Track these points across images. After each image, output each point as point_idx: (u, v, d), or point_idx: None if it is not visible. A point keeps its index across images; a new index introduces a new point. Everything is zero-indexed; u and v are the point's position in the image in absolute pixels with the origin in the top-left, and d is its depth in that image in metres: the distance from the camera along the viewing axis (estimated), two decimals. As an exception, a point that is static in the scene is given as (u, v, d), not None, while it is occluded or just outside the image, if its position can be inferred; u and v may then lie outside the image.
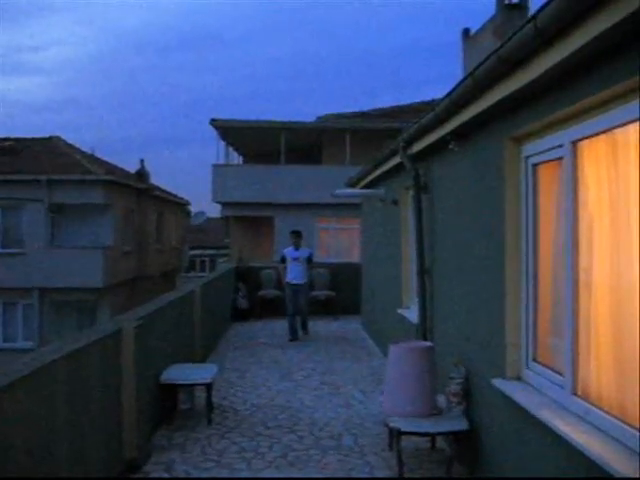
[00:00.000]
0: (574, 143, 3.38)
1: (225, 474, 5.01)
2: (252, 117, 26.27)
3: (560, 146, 3.52)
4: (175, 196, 32.29)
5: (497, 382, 4.18)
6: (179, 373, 6.33)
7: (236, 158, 28.17)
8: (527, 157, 4.05)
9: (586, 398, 3.29)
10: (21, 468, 3.15)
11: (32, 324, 21.96)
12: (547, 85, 3.37)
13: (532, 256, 4.03)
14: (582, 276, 3.36)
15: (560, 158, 3.56)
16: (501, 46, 3.37)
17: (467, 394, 4.95)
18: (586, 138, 3.28)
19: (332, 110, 25.79)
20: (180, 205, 34.17)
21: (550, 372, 3.73)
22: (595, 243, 3.29)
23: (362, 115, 24.54)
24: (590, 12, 2.56)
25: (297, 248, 11.33)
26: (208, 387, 6.32)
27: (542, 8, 2.81)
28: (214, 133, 23.73)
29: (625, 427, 2.86)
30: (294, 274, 11.19)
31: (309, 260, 11.34)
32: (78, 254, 21.86)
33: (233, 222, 24.94)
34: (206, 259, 42.82)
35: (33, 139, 24.51)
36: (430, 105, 5.54)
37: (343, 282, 14.26)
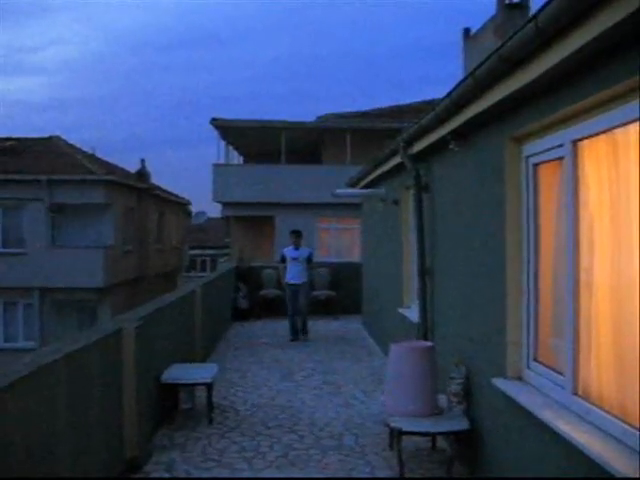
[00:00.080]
0: (574, 143, 3.38)
1: (226, 474, 5.02)
2: (252, 117, 26.16)
3: (560, 146, 3.52)
4: (176, 196, 32.30)
5: (498, 382, 4.18)
6: (180, 373, 6.34)
7: (236, 158, 28.17)
8: (528, 157, 4.05)
9: (587, 398, 3.29)
10: (22, 468, 3.15)
11: (33, 324, 21.97)
12: (548, 85, 3.37)
13: (533, 256, 4.03)
14: (583, 276, 3.35)
15: (561, 158, 3.56)
16: (502, 46, 3.36)
17: (468, 394, 4.95)
18: (586, 138, 3.28)
19: (332, 110, 25.78)
20: (181, 205, 34.19)
21: (551, 372, 3.73)
22: (596, 243, 3.29)
23: (362, 115, 24.53)
24: (591, 12, 2.56)
25: (297, 248, 11.32)
26: (209, 387, 6.32)
27: (543, 7, 2.81)
28: (214, 133, 23.74)
29: (625, 427, 2.85)
30: (293, 274, 11.17)
31: (309, 260, 11.32)
32: (79, 254, 21.87)
33: (234, 222, 24.95)
34: (207, 259, 42.83)
35: (33, 139, 24.52)
36: (430, 105, 5.54)
37: (343, 282, 14.27)
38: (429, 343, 5.71)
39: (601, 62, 2.85)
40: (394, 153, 7.30)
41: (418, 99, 22.84)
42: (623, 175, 3.02)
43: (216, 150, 24.17)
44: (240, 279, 14.21)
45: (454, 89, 4.39)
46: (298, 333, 11.22)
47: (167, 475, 4.98)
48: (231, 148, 26.08)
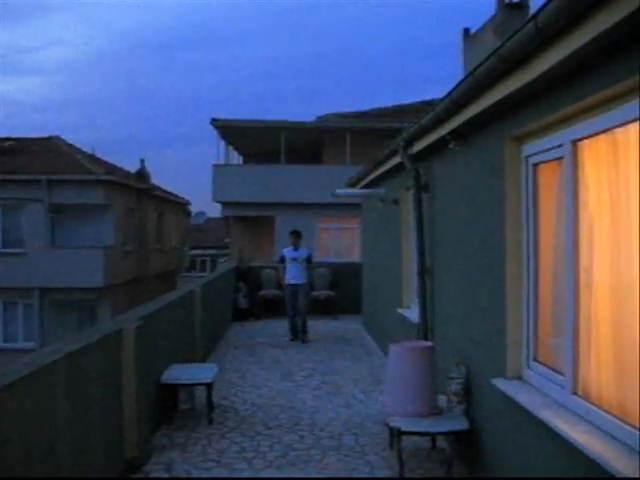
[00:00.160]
0: (574, 143, 3.38)
1: (225, 474, 5.01)
2: (252, 117, 26.19)
3: (560, 146, 3.52)
4: (175, 196, 32.31)
5: (498, 382, 4.18)
6: (180, 373, 6.34)
7: (236, 158, 28.16)
8: (527, 157, 4.05)
9: (586, 398, 3.29)
10: (22, 468, 3.15)
11: (33, 324, 21.98)
12: (547, 84, 3.37)
13: (533, 256, 4.03)
14: (582, 275, 3.36)
15: (560, 158, 3.56)
16: (502, 45, 3.36)
17: (468, 394, 4.95)
18: (586, 138, 3.28)
19: (332, 110, 25.79)
20: (180, 205, 34.20)
21: (551, 372, 3.73)
22: (595, 242, 3.29)
23: (362, 115, 24.53)
24: (590, 11, 2.56)
25: (296, 248, 11.31)
26: (209, 387, 6.32)
27: (543, 7, 2.81)
28: (214, 133, 23.74)
29: (625, 426, 2.86)
30: (293, 274, 11.16)
31: (308, 260, 11.30)
32: (79, 254, 21.88)
33: (233, 222, 24.96)
34: (207, 259, 42.82)
35: (33, 139, 24.53)
36: (430, 105, 5.53)
37: (343, 282, 14.27)
38: (429, 343, 5.71)
39: (601, 62, 2.85)
40: (394, 153, 7.30)
41: (418, 99, 22.78)
42: (623, 175, 3.02)
43: (216, 150, 24.22)
44: (240, 279, 14.21)
45: (454, 89, 4.39)
46: (298, 333, 11.21)
47: (167, 475, 4.98)
48: (231, 148, 26.09)
